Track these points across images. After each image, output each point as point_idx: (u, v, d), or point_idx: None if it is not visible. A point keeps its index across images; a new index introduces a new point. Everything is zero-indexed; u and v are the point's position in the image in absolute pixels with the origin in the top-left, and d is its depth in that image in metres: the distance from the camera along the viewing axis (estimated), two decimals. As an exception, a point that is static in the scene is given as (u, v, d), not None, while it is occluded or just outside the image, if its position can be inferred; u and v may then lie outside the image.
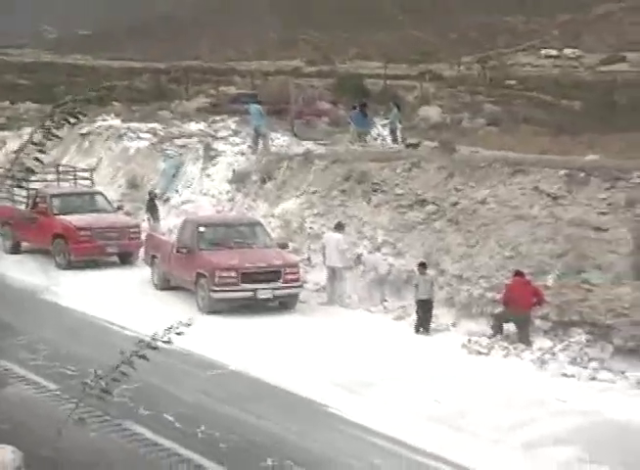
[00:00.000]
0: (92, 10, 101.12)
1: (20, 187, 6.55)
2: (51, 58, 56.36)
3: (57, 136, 5.96)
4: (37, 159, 6.02)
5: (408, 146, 29.12)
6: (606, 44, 53.44)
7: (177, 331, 5.98)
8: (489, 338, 17.92)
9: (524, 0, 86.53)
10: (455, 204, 21.12)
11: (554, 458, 12.25)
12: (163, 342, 5.97)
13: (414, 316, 19.34)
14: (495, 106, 41.61)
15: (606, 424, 13.65)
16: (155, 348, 5.92)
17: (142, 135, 33.20)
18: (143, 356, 5.89)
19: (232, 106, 39.21)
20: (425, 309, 19.04)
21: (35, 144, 5.96)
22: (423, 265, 19.52)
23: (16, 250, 27.34)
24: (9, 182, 6.33)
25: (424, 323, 18.97)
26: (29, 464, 7.25)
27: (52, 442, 6.44)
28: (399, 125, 31.42)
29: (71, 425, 6.17)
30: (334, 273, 21.61)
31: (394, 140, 30.59)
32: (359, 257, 22.10)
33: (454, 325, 19.27)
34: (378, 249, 22.11)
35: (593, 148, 23.21)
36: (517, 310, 17.70)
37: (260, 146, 28.94)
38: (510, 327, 17.96)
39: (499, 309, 18.26)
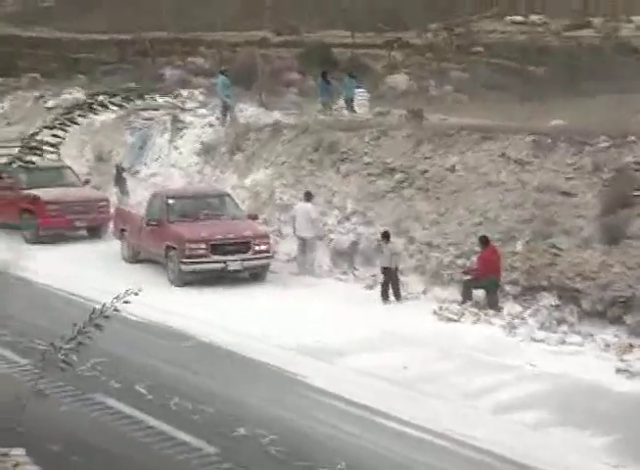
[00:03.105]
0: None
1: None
2: (12, 30, 55.64)
3: (76, 123, 6.11)
4: (50, 143, 6.09)
5: (377, 115, 28.98)
6: (570, 9, 53.53)
7: (125, 299, 5.99)
8: (460, 304, 18.02)
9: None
10: (424, 171, 21.16)
11: (523, 422, 12.39)
12: (114, 310, 5.95)
13: (384, 285, 19.40)
14: (462, 73, 41.55)
15: (574, 387, 13.79)
16: (106, 316, 5.89)
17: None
18: (97, 326, 5.87)
19: None
20: (390, 277, 19.07)
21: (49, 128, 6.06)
22: (385, 234, 19.50)
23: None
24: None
25: (394, 291, 19.02)
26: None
27: (17, 417, 6.44)
28: (367, 95, 31.04)
29: (36, 399, 6.16)
30: (304, 243, 21.62)
31: (350, 109, 30.29)
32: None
33: (424, 292, 19.35)
34: (347, 218, 22.13)
35: (558, 113, 23.28)
36: (486, 277, 17.80)
37: (228, 117, 28.79)
38: (480, 293, 18.07)
39: (468, 277, 18.34)
